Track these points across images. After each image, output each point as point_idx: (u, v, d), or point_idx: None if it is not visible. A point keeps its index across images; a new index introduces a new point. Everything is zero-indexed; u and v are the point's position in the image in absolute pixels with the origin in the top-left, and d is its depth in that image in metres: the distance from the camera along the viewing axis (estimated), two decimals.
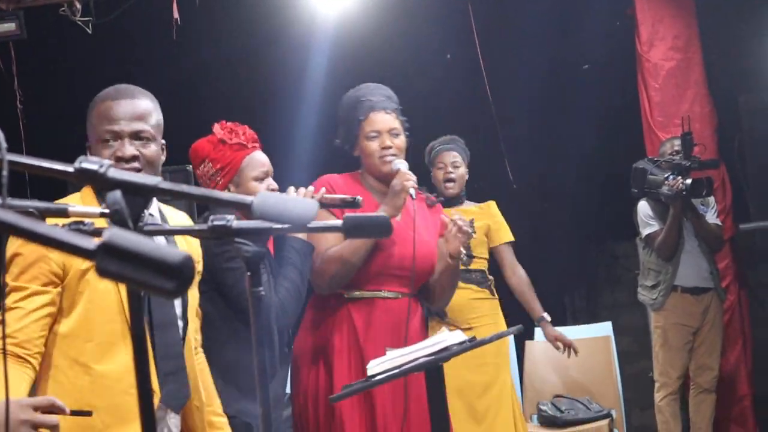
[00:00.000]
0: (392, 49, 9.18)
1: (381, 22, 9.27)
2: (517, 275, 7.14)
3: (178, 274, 1.28)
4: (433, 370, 3.98)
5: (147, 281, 1.30)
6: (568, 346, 7.04)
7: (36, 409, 2.74)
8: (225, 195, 2.38)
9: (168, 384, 3.75)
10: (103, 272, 1.33)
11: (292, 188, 4.83)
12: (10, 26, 9.76)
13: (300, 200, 2.64)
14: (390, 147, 4.89)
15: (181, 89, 8.90)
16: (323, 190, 4.77)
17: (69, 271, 3.53)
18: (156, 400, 3.61)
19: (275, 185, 4.84)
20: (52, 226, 1.42)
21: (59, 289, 3.64)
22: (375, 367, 4.03)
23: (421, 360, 3.92)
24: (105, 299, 3.47)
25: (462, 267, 6.51)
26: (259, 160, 4.82)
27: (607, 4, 9.12)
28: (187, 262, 1.30)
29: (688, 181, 7.51)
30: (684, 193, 7.50)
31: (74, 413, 3.42)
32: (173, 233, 3.66)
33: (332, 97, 5.02)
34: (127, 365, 3.44)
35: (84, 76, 9.13)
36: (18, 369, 3.50)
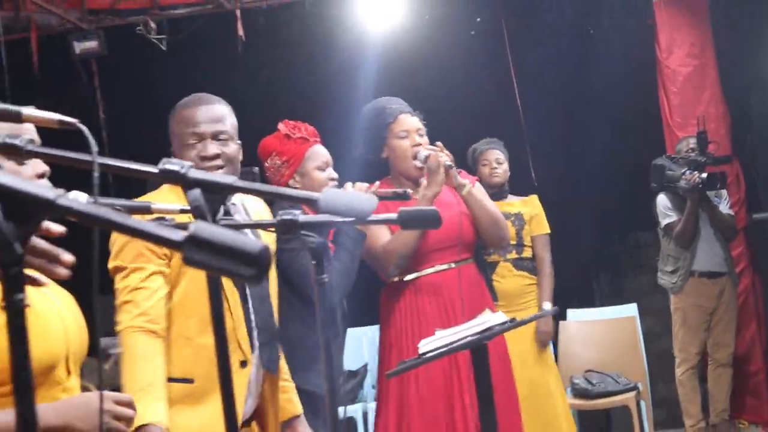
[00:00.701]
0: (432, 63, 9.33)
1: (422, 38, 9.47)
2: (546, 266, 7.27)
3: (257, 262, 1.29)
4: (477, 349, 4.05)
5: (229, 269, 1.32)
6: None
7: (117, 402, 2.69)
8: (293, 192, 2.44)
9: (264, 352, 3.88)
10: (189, 261, 1.33)
11: (349, 184, 4.85)
12: (92, 44, 9.96)
13: (361, 195, 2.67)
14: (419, 144, 4.99)
15: (246, 100, 9.08)
16: (377, 183, 4.81)
17: (173, 254, 3.59)
18: (249, 368, 3.80)
19: (335, 174, 4.97)
20: (142, 220, 1.46)
21: (169, 270, 3.73)
22: (425, 345, 4.08)
23: (467, 339, 3.99)
24: (203, 281, 3.43)
25: (516, 255, 6.70)
26: (319, 152, 4.94)
27: (627, 14, 9.17)
28: (265, 251, 1.31)
29: (704, 175, 7.65)
30: (700, 186, 7.65)
31: (178, 380, 3.66)
32: (246, 227, 3.68)
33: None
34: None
35: (159, 88, 9.30)
36: (158, 345, 3.62)
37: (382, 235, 4.69)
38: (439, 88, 8.57)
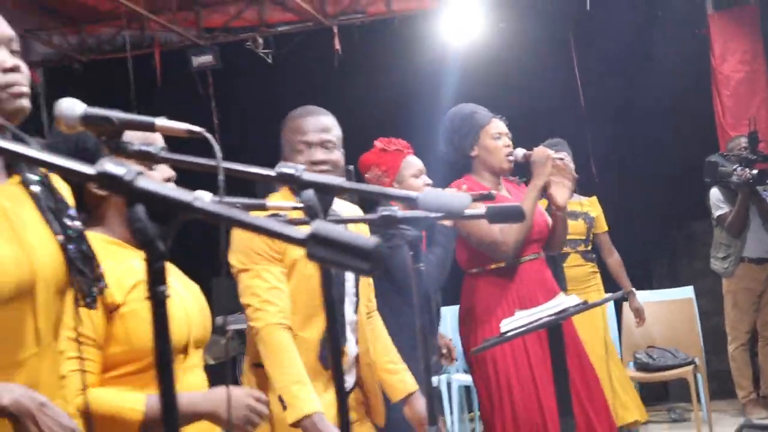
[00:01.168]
0: (504, 71, 9.32)
1: (496, 50, 9.49)
2: (614, 257, 7.34)
3: (371, 256, 1.27)
4: (553, 328, 4.04)
5: (347, 263, 1.30)
6: (639, 317, 7.18)
7: (256, 399, 2.72)
8: (395, 191, 2.45)
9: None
10: (312, 257, 1.32)
11: (427, 189, 4.78)
12: (207, 58, 10.14)
13: (456, 194, 2.69)
14: (510, 146, 4.97)
15: (341, 107, 9.10)
16: (465, 186, 4.83)
17: (285, 258, 3.61)
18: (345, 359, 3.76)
19: (429, 180, 4.97)
20: (268, 219, 1.44)
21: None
22: (506, 325, 4.09)
23: (544, 319, 3.99)
24: (309, 281, 3.50)
25: (584, 248, 6.76)
26: (413, 161, 4.95)
27: (683, 26, 9.10)
28: (378, 248, 1.28)
29: (754, 171, 7.63)
30: (750, 181, 7.61)
31: None
32: (352, 221, 3.70)
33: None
34: (320, 332, 3.59)
35: (265, 97, 9.42)
36: (293, 340, 3.59)
37: (492, 226, 4.64)
38: (511, 94, 8.54)
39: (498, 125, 4.96)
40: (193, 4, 10.18)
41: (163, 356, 1.40)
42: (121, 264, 2.59)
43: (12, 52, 2.16)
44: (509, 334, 3.98)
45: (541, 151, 4.92)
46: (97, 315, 2.47)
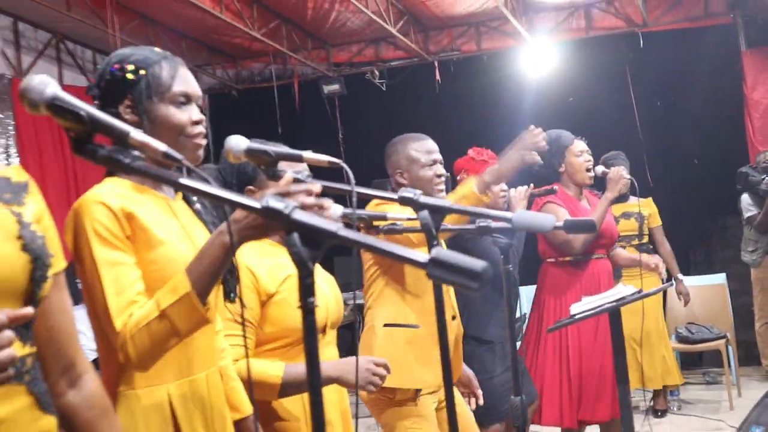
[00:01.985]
0: (574, 97, 9.28)
1: (567, 80, 9.46)
2: (665, 247, 7.13)
3: (481, 277, 1.23)
4: (614, 313, 4.01)
5: (460, 282, 1.26)
6: (685, 299, 7.05)
7: (376, 364, 2.69)
8: (494, 212, 2.42)
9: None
10: (431, 276, 1.29)
11: (512, 190, 4.64)
12: (335, 87, 10.25)
13: (542, 215, 2.63)
14: (590, 161, 4.94)
15: (440, 127, 9.11)
16: (532, 185, 4.79)
17: None
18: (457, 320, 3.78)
19: (506, 187, 4.83)
20: (392, 244, 1.37)
21: None
22: (576, 308, 4.06)
23: (606, 305, 3.96)
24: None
25: (638, 242, 6.75)
26: None
27: (721, 59, 9.00)
28: (487, 269, 1.25)
29: None
30: None
31: (407, 326, 3.59)
32: (458, 231, 3.50)
33: None
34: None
35: (379, 119, 9.44)
36: None
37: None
38: (579, 115, 8.49)
39: (580, 144, 4.92)
40: (324, 44, 10.28)
41: (312, 351, 1.39)
42: (274, 260, 2.64)
43: (199, 107, 2.20)
44: (578, 316, 3.96)
45: (615, 171, 4.88)
46: (254, 302, 2.52)
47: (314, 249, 1.36)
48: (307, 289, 1.37)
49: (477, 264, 1.26)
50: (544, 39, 9.52)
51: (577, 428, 4.84)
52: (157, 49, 2.19)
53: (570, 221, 2.93)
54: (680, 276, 7.09)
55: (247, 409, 2.31)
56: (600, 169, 4.97)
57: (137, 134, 1.44)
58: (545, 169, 4.85)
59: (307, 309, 1.37)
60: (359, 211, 2.54)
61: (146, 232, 1.99)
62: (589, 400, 4.72)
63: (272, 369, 2.52)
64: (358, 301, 5.67)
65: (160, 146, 1.44)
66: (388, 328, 3.61)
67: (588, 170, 4.90)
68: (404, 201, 2.13)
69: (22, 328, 1.46)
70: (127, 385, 2.00)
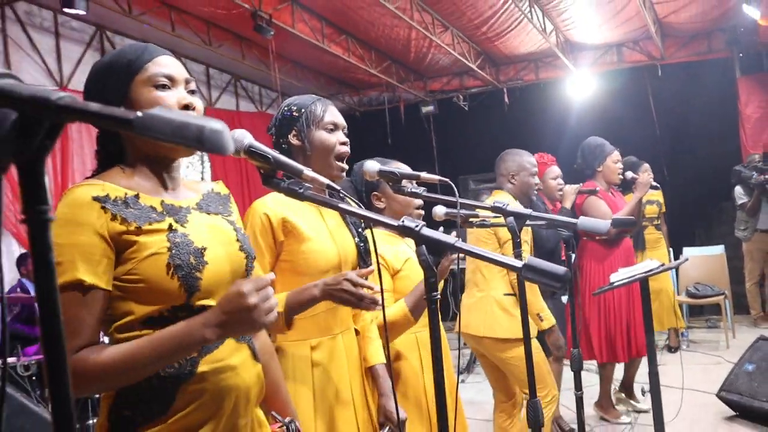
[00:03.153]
0: (608, 115, 9.05)
1: (603, 102, 9.18)
2: (664, 228, 6.80)
3: (563, 279, 1.21)
4: (643, 281, 3.89)
5: (546, 283, 1.23)
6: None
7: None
8: (562, 218, 2.25)
9: None
10: (525, 278, 1.26)
11: (566, 186, 4.52)
12: (430, 108, 10.12)
13: (600, 221, 2.37)
14: (621, 168, 4.79)
15: (508, 141, 8.98)
16: (580, 185, 4.65)
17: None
18: None
19: (563, 183, 4.64)
20: (494, 253, 1.32)
21: None
22: (614, 277, 3.95)
23: (638, 276, 3.83)
24: None
25: (657, 222, 6.47)
26: (554, 169, 4.71)
27: (719, 83, 8.69)
28: (567, 274, 1.21)
29: (766, 176, 7.15)
30: (764, 182, 7.14)
31: (512, 295, 3.51)
32: (535, 226, 3.46)
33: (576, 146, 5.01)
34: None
35: (462, 132, 9.37)
36: None
37: (606, 210, 4.49)
38: (611, 128, 8.24)
39: (617, 154, 4.77)
40: (422, 77, 10.22)
41: (435, 336, 1.37)
42: (396, 247, 2.57)
43: (344, 134, 2.17)
44: (617, 283, 3.85)
45: (645, 177, 4.70)
46: (386, 276, 2.45)
47: (437, 256, 1.35)
48: (431, 287, 1.36)
49: (559, 269, 1.25)
50: (585, 70, 9.39)
51: (607, 362, 4.72)
52: (313, 95, 2.22)
53: (617, 220, 2.79)
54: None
55: (376, 359, 2.19)
56: (630, 174, 4.80)
57: (308, 172, 1.44)
58: (585, 164, 4.73)
59: (431, 300, 1.36)
60: (465, 211, 2.46)
61: (297, 230, 1.99)
62: (623, 341, 4.60)
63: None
64: None
65: (324, 180, 1.44)
66: (507, 297, 3.50)
67: (620, 174, 4.77)
68: (496, 210, 2.07)
69: None
70: (281, 339, 2.02)
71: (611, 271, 4.41)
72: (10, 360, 5.28)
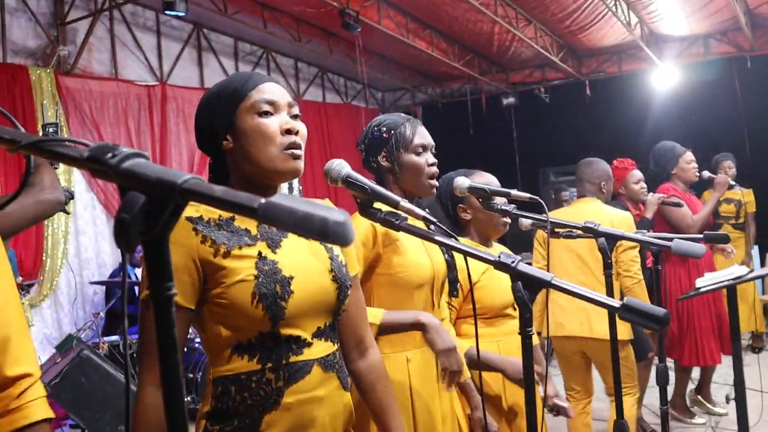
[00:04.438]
0: (691, 107, 8.68)
1: (688, 95, 8.84)
2: (751, 229, 6.39)
3: (663, 321, 1.15)
4: (731, 288, 3.70)
5: (645, 324, 1.17)
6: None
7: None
8: (656, 240, 2.05)
9: None
10: (623, 319, 1.20)
11: (649, 195, 4.34)
12: (512, 100, 10.02)
13: (695, 245, 2.14)
14: (697, 167, 4.62)
15: (591, 134, 8.74)
16: (663, 196, 4.47)
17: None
18: None
19: (645, 187, 4.46)
20: (583, 289, 1.25)
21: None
22: (700, 282, 3.78)
23: (726, 282, 3.65)
24: None
25: (734, 222, 6.19)
26: (636, 174, 4.49)
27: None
28: (666, 316, 1.16)
29: None
30: None
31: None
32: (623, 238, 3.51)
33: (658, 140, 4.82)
34: None
35: (544, 122, 9.16)
36: None
37: (685, 217, 4.31)
38: (695, 120, 7.93)
39: (690, 155, 4.57)
40: (504, 69, 10.06)
41: (528, 365, 1.33)
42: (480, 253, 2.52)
43: (433, 153, 2.12)
44: (703, 289, 3.68)
45: (723, 177, 4.52)
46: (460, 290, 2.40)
47: (532, 293, 1.30)
48: (526, 322, 1.32)
49: (659, 311, 1.18)
50: (670, 63, 9.06)
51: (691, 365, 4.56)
52: (402, 114, 2.17)
53: (709, 235, 2.68)
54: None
55: (466, 373, 2.13)
56: (706, 174, 4.60)
57: (404, 203, 1.41)
58: (658, 168, 4.55)
59: (526, 336, 1.31)
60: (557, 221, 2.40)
61: (397, 243, 1.98)
62: (710, 344, 4.43)
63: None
64: None
65: (420, 212, 1.40)
66: None
67: (695, 174, 4.57)
68: (586, 230, 1.99)
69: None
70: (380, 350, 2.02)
71: (695, 273, 4.26)
72: (114, 338, 5.58)
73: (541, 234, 3.69)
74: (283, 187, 1.55)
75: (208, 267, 1.32)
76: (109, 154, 0.68)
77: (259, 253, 1.35)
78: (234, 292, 1.31)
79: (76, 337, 4.11)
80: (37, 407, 1.19)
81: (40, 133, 2.65)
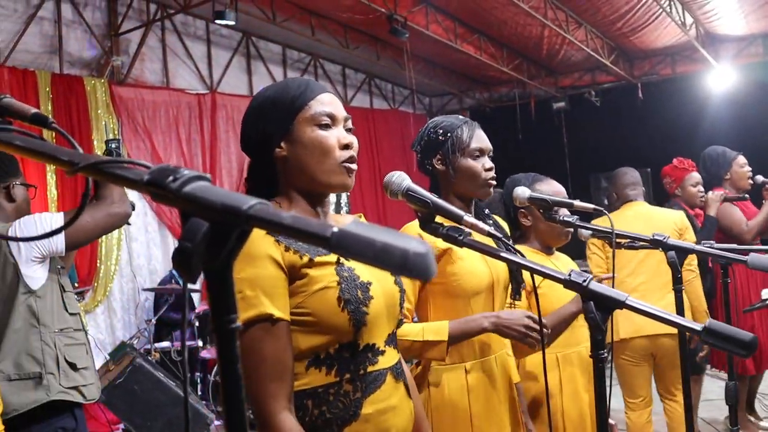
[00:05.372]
0: (747, 107, 8.36)
1: (744, 97, 8.54)
2: None
3: (750, 347, 1.08)
4: None
5: (731, 350, 1.09)
6: None
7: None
8: (729, 254, 1.89)
9: None
10: (706, 343, 1.17)
11: (709, 193, 4.16)
12: (561, 104, 9.85)
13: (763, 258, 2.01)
14: (750, 171, 4.45)
15: (646, 135, 8.52)
16: (724, 192, 4.29)
17: None
18: None
19: (702, 189, 4.28)
20: (659, 310, 1.18)
21: None
22: (766, 293, 3.62)
23: None
24: None
25: None
26: (694, 176, 4.24)
27: None
28: (754, 341, 1.09)
29: None
30: None
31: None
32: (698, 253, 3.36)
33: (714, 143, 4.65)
34: None
35: (593, 125, 8.94)
36: None
37: (740, 220, 4.14)
38: (750, 122, 7.65)
39: (742, 159, 4.41)
40: (553, 73, 9.92)
41: (601, 379, 1.28)
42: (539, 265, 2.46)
43: (490, 158, 2.06)
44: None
45: None
46: (524, 294, 2.33)
47: (605, 313, 1.22)
48: (598, 344, 1.24)
49: (746, 336, 1.09)
50: (726, 63, 8.80)
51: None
52: (460, 117, 2.12)
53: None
54: None
55: (516, 377, 2.09)
56: (760, 178, 4.42)
57: (468, 218, 1.36)
58: (709, 175, 4.39)
59: (598, 359, 1.24)
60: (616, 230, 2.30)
61: (448, 253, 1.93)
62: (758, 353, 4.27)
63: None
64: None
65: (485, 228, 1.34)
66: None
67: (749, 178, 4.39)
68: (654, 243, 1.85)
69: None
70: (435, 364, 1.96)
71: (760, 283, 4.07)
72: (165, 344, 5.64)
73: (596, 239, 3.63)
74: (331, 195, 1.52)
75: (295, 275, 1.30)
76: (170, 178, 0.64)
77: (338, 260, 1.33)
78: (317, 299, 1.29)
79: (128, 344, 4.15)
80: None
81: (103, 149, 2.69)
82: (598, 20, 7.87)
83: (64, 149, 0.76)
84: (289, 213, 0.62)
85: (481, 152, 2.03)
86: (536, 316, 1.74)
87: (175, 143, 7.15)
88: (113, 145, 2.61)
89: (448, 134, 2.03)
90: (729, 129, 7.80)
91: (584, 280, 1.25)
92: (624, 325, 3.51)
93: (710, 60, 8.53)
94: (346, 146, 1.39)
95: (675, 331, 3.30)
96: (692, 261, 3.50)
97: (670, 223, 3.62)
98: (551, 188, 2.34)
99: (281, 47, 8.61)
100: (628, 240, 2.48)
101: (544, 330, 1.80)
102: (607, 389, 1.36)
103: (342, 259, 1.34)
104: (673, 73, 9.26)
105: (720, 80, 8.85)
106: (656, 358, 3.58)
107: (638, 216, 3.67)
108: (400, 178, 1.42)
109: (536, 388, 2.38)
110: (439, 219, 1.45)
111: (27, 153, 0.76)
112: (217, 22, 6.18)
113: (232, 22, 6.06)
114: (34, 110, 0.79)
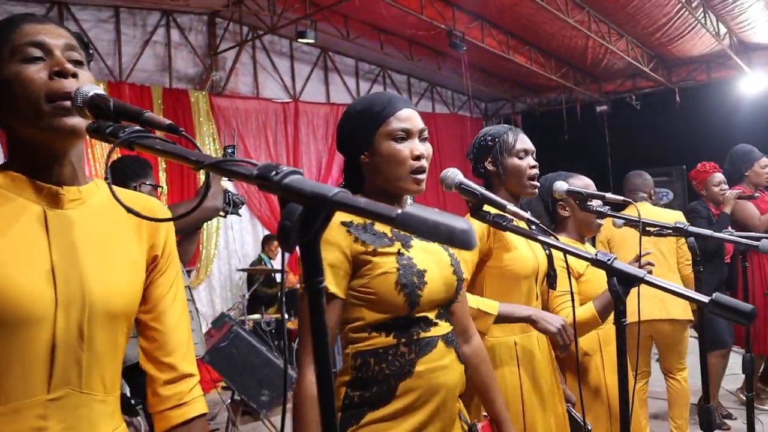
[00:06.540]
0: None
1: None
2: None
3: (750, 317, 1.10)
4: None
5: (733, 318, 1.12)
6: None
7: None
8: (744, 240, 1.85)
9: None
10: (712, 313, 1.15)
11: (728, 192, 4.04)
12: (604, 108, 9.67)
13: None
14: None
15: (681, 138, 8.26)
16: (740, 191, 4.15)
17: None
18: None
19: (726, 187, 4.09)
20: (672, 284, 1.21)
21: None
22: None
23: None
24: None
25: None
26: (717, 176, 4.15)
27: None
28: (754, 311, 1.11)
29: None
30: None
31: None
32: (715, 239, 3.26)
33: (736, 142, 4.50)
34: None
35: (634, 129, 8.72)
36: None
37: (753, 214, 4.01)
38: None
39: (765, 160, 4.24)
40: (597, 80, 9.70)
41: (622, 352, 1.32)
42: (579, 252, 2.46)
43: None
44: None
45: None
46: (573, 279, 2.25)
47: (627, 287, 1.27)
48: (620, 313, 1.29)
49: (746, 307, 1.12)
50: (759, 70, 8.43)
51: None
52: (505, 125, 2.16)
53: None
54: None
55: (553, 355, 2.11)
56: None
57: (511, 207, 1.42)
58: (732, 169, 4.25)
59: (620, 324, 1.29)
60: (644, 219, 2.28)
61: (506, 240, 1.98)
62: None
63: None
64: None
65: (524, 215, 1.41)
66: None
67: (767, 180, 4.23)
68: (676, 230, 1.88)
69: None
70: (489, 335, 2.00)
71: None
72: (256, 316, 5.85)
73: (604, 235, 3.64)
74: None
75: (359, 262, 1.39)
76: (273, 172, 0.73)
77: (398, 251, 1.41)
78: (379, 282, 1.38)
79: (227, 315, 4.34)
80: (201, 403, 1.25)
81: (221, 153, 2.89)
82: (638, 31, 7.70)
83: (191, 151, 0.86)
84: (364, 199, 0.71)
85: (525, 152, 2.07)
86: (571, 329, 1.77)
87: (263, 145, 7.39)
88: (230, 150, 2.79)
89: (496, 139, 2.08)
90: (760, 131, 7.48)
91: (609, 259, 1.31)
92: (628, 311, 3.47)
93: (743, 67, 8.21)
94: (418, 157, 1.45)
95: (671, 317, 3.39)
96: (687, 255, 3.50)
97: (669, 221, 3.53)
98: (583, 183, 2.34)
99: (354, 60, 8.74)
100: (656, 228, 2.49)
101: (568, 341, 1.88)
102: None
103: (402, 250, 1.42)
104: (708, 79, 8.92)
105: (752, 85, 8.51)
106: (656, 343, 3.57)
107: (645, 213, 3.63)
108: (454, 173, 1.50)
109: (587, 363, 2.38)
110: (486, 208, 1.51)
111: (165, 155, 0.85)
112: (299, 40, 6.35)
113: (312, 41, 6.22)
114: (168, 121, 0.90)
